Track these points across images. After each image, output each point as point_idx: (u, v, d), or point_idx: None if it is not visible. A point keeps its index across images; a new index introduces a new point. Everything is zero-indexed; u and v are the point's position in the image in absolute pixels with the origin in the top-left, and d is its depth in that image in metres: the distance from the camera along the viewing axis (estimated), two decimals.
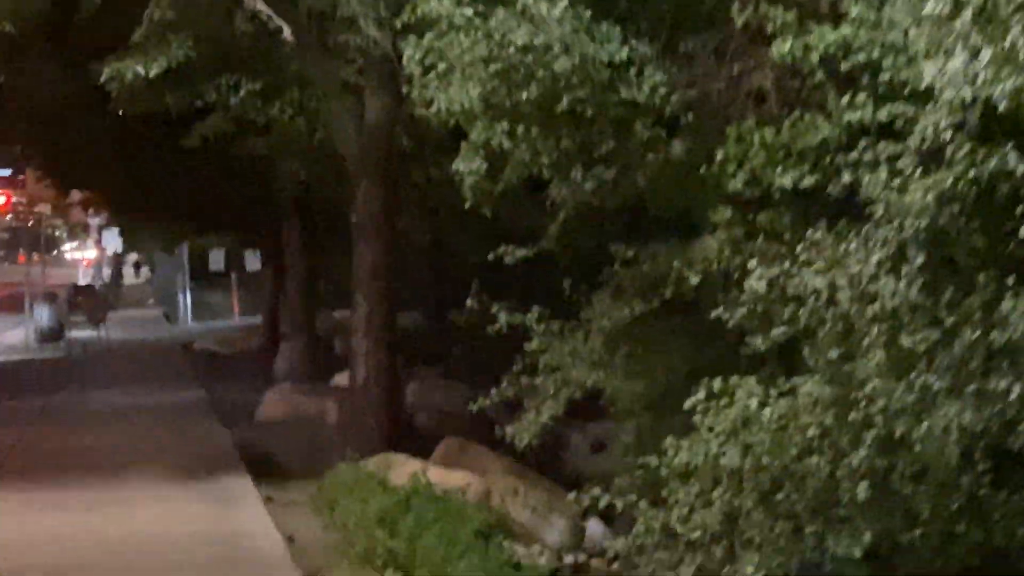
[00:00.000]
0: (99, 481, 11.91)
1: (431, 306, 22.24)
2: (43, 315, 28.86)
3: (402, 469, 10.74)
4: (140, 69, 12.05)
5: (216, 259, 39.71)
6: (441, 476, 10.36)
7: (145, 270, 77.96)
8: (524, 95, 7.45)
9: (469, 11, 7.61)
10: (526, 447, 9.50)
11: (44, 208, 42.20)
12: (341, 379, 18.47)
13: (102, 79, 12.34)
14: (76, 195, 31.98)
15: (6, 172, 51.40)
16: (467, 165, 7.96)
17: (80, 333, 28.96)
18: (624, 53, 7.69)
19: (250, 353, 27.09)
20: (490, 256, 9.27)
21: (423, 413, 14.93)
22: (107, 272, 72.10)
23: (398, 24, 8.69)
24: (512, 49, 7.39)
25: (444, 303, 19.11)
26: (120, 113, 14.92)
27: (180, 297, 41.06)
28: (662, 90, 7.69)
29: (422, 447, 12.08)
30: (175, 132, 15.74)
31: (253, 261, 39.31)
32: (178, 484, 11.91)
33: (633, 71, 7.71)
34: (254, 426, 15.63)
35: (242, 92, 13.24)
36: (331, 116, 13.38)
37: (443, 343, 19.57)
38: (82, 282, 34.41)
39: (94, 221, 56.66)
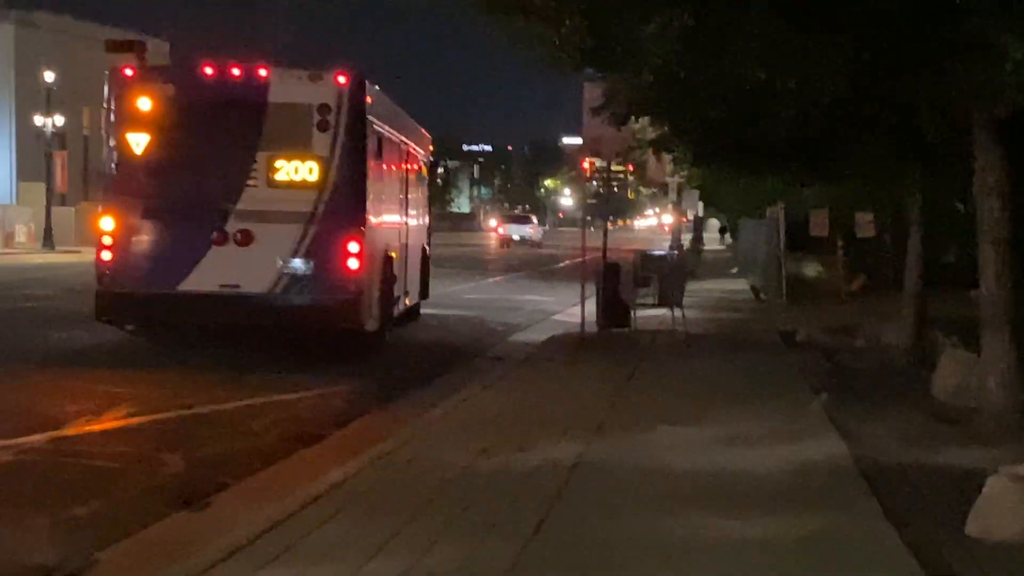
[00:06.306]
0: None
1: None
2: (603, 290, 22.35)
3: None
4: None
5: (819, 222, 31.69)
6: None
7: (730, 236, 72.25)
8: None
9: None
10: None
11: (619, 167, 36.42)
12: None
13: None
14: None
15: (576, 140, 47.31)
16: None
17: (651, 313, 22.00)
18: None
19: (884, 354, 18.50)
20: None
21: None
22: (687, 238, 66.55)
23: None
24: None
25: None
26: None
27: (775, 269, 33.33)
28: None
29: None
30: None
31: (866, 225, 30.83)
32: None
33: None
34: (975, 552, 7.24)
35: None
36: None
37: None
38: (657, 252, 27.52)
39: (673, 181, 50.70)
